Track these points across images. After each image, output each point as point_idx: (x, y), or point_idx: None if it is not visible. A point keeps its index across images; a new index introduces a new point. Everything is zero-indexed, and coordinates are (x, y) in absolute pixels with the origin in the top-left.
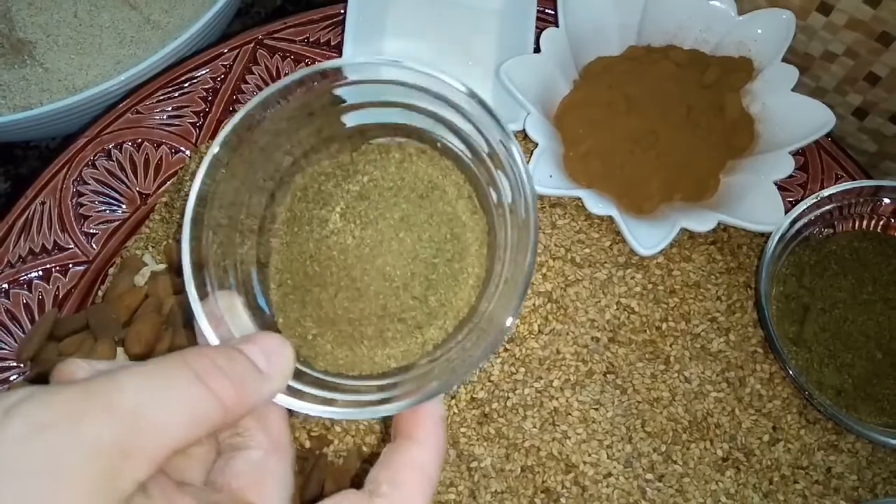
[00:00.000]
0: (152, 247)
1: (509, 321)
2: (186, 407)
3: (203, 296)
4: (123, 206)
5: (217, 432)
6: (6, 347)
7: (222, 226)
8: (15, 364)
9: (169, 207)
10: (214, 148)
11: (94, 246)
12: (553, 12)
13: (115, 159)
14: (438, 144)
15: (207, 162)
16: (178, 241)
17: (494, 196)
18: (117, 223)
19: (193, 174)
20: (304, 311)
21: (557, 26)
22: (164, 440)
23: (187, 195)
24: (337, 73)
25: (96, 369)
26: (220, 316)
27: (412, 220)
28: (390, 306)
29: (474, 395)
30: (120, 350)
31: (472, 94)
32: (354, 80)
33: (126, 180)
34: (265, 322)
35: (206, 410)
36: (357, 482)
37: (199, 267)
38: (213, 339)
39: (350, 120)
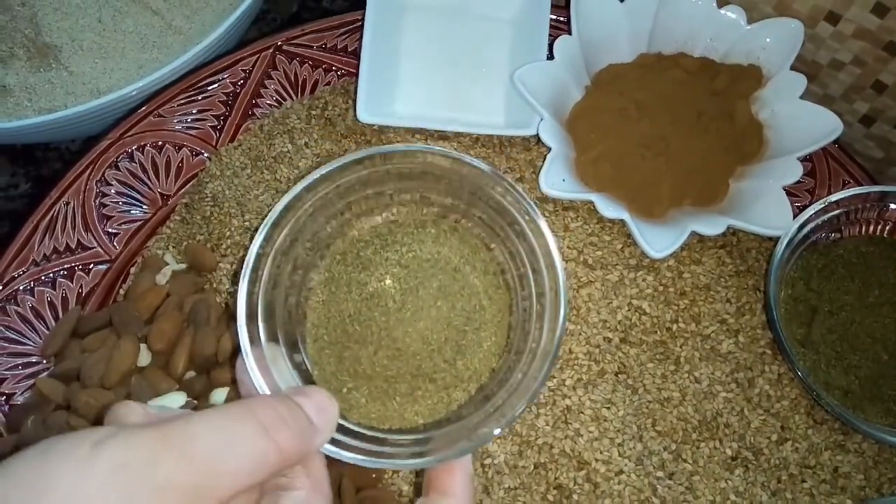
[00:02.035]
0: (173, 246)
1: (537, 384)
2: (254, 455)
3: (253, 343)
4: (145, 207)
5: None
6: (31, 343)
7: (270, 282)
8: (39, 360)
9: (189, 208)
10: (273, 216)
11: (116, 245)
12: (566, 20)
13: (137, 161)
14: (471, 219)
15: (270, 224)
16: (235, 294)
17: (516, 269)
18: (139, 223)
19: (213, 176)
20: (340, 365)
21: (570, 34)
22: (232, 484)
23: (207, 197)
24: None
25: (150, 413)
26: (266, 366)
27: (448, 290)
28: (424, 367)
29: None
30: (143, 346)
31: (502, 178)
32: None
33: (148, 181)
34: (301, 374)
35: (269, 458)
36: (375, 480)
37: (251, 318)
38: (262, 388)
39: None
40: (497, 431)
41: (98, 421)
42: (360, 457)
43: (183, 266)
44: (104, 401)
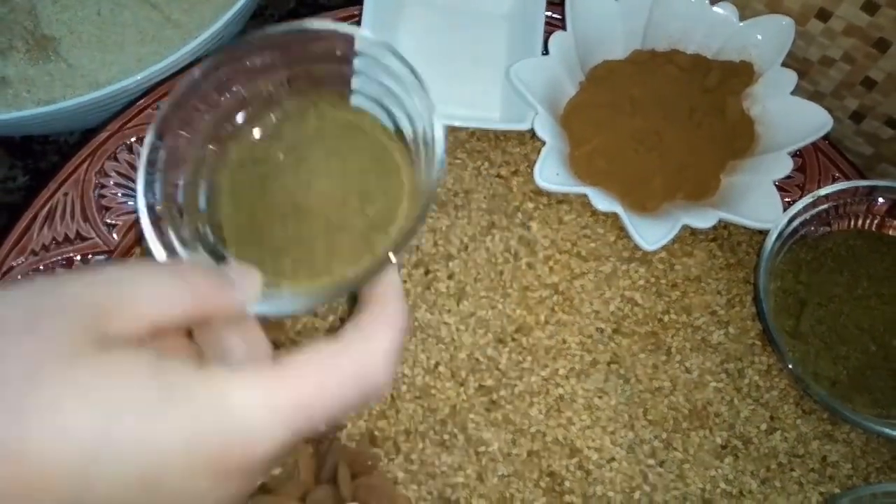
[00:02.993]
0: None
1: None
2: (162, 289)
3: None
4: None
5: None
6: None
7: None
8: None
9: None
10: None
11: (114, 236)
12: (561, 17)
13: (135, 153)
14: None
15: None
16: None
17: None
18: (137, 215)
19: None
20: (260, 250)
21: (565, 30)
22: (142, 308)
23: None
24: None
25: None
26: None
27: (337, 150)
28: (334, 219)
29: (483, 383)
30: None
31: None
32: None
33: None
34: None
35: (181, 295)
36: (371, 467)
37: (157, 222)
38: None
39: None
40: (392, 256)
41: None
42: (287, 302)
43: None
44: None
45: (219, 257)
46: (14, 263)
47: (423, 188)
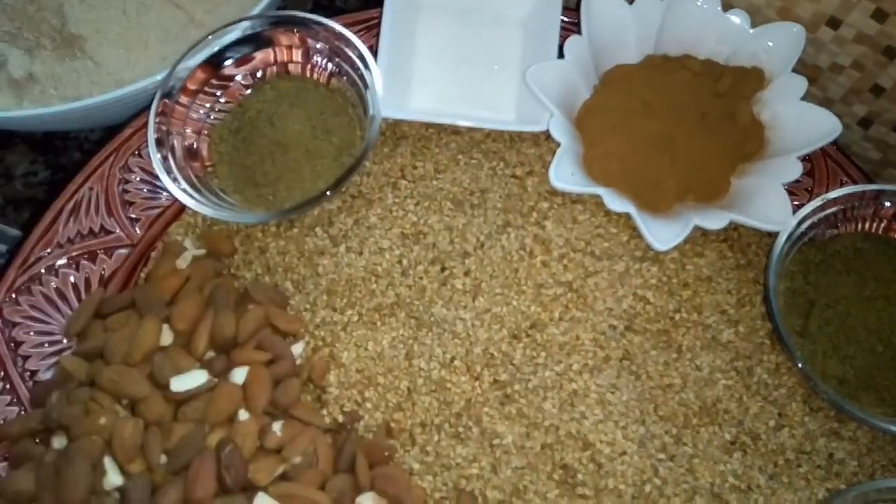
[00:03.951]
0: (191, 233)
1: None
2: None
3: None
4: (165, 194)
5: None
6: (55, 323)
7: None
8: (62, 339)
9: None
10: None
11: (137, 230)
12: (575, 22)
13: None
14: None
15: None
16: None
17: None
18: (160, 210)
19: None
20: (257, 186)
21: (580, 35)
22: None
23: None
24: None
25: None
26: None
27: (294, 101)
28: (310, 148)
29: (497, 378)
30: (165, 327)
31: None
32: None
33: None
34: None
35: None
36: (388, 458)
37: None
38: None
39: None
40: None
41: (120, 397)
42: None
43: (202, 252)
44: (128, 378)
45: (221, 199)
46: (41, 255)
47: (368, 125)
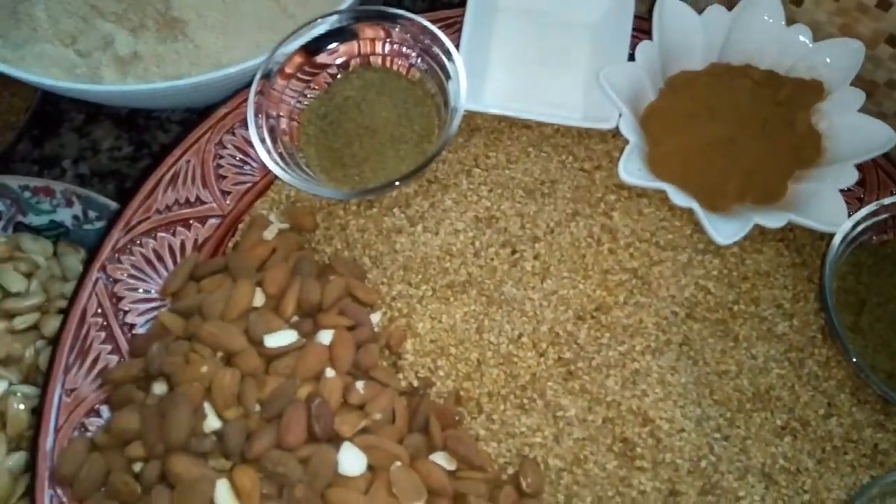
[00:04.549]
0: (276, 208)
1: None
2: None
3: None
4: (255, 171)
5: None
6: (151, 282)
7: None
8: (159, 298)
9: None
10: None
11: (228, 202)
12: (642, 29)
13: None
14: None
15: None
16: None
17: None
18: (248, 185)
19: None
20: (344, 166)
21: (651, 40)
22: None
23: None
24: None
25: None
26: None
27: (380, 89)
28: (395, 134)
29: (562, 355)
30: (257, 290)
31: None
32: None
33: None
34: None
35: None
36: (457, 423)
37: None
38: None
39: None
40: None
41: (218, 350)
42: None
43: (286, 226)
44: (227, 332)
45: (308, 175)
46: (142, 219)
47: (447, 117)
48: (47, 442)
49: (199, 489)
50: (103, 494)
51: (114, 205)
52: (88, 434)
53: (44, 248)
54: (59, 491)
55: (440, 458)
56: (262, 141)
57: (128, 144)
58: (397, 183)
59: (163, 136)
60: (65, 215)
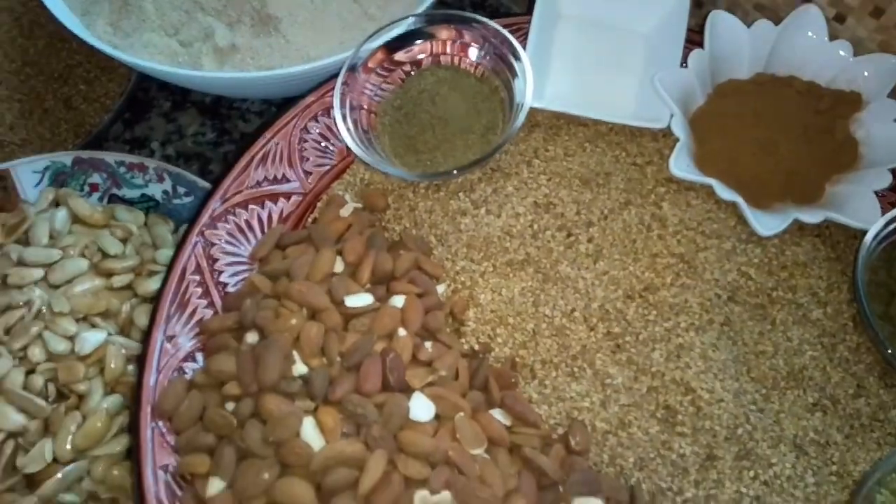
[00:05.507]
0: (350, 190)
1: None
2: None
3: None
4: (334, 155)
5: None
6: (241, 248)
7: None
8: (248, 262)
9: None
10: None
11: (310, 182)
12: (693, 40)
13: (331, 118)
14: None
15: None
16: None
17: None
18: (328, 167)
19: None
20: (417, 152)
21: (702, 49)
22: None
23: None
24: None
25: None
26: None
27: (451, 85)
28: (463, 125)
29: (611, 330)
30: (338, 258)
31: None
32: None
33: (337, 136)
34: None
35: None
36: (513, 385)
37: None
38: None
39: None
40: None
41: (304, 306)
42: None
43: (360, 205)
44: (313, 291)
45: (383, 158)
46: (236, 191)
47: (512, 112)
48: (150, 380)
49: (288, 423)
50: (199, 427)
51: (201, 182)
52: (186, 375)
53: (136, 218)
54: (160, 423)
55: (497, 415)
56: (345, 124)
57: (211, 131)
58: (462, 168)
59: (242, 125)
60: (155, 190)
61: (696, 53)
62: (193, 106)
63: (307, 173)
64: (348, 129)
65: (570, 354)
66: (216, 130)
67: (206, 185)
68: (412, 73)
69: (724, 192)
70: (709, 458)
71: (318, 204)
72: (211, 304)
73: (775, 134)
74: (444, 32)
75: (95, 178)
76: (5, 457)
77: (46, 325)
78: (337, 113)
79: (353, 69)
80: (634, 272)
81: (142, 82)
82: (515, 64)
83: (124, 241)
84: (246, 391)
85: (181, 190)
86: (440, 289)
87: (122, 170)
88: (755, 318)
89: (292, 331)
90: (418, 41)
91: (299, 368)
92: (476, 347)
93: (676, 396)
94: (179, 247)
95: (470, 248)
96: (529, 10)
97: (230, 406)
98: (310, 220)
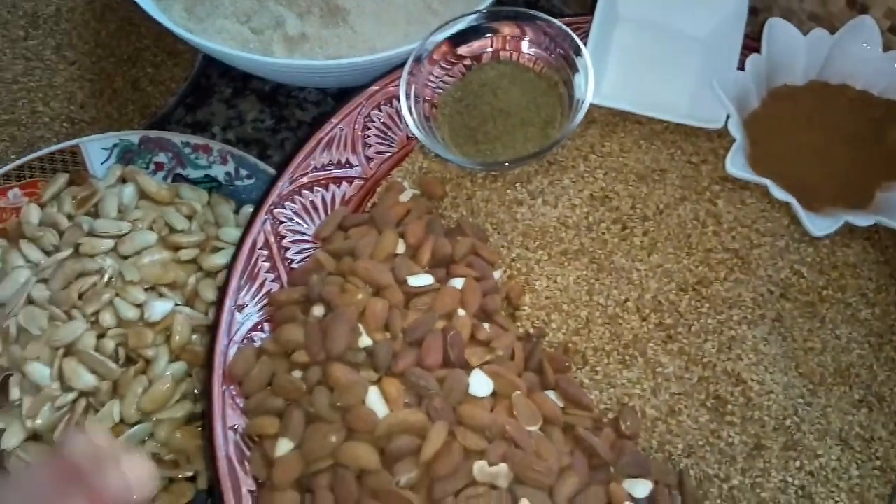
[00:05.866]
0: (409, 177)
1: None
2: None
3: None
4: (395, 143)
5: None
6: (306, 227)
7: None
8: (311, 241)
9: (423, 150)
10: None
11: (371, 168)
12: (748, 45)
13: (393, 107)
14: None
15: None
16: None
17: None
18: (388, 154)
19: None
20: (476, 143)
21: (760, 54)
22: None
23: (438, 141)
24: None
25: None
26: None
27: (512, 79)
28: (524, 117)
29: (663, 321)
30: (400, 241)
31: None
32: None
33: (399, 125)
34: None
35: None
36: (566, 369)
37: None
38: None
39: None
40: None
41: (368, 283)
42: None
43: (418, 192)
44: (378, 269)
45: (442, 146)
46: (303, 172)
47: (571, 107)
48: (221, 346)
49: (354, 391)
50: (268, 392)
51: (262, 165)
52: (255, 344)
53: (200, 197)
54: (230, 387)
55: (552, 395)
56: (410, 112)
57: (269, 118)
58: (521, 159)
59: (300, 113)
60: (218, 171)
61: (753, 58)
62: (253, 93)
63: (369, 159)
64: (413, 116)
65: (622, 343)
66: (274, 118)
67: (268, 168)
68: (472, 67)
69: (779, 193)
70: (756, 447)
71: (378, 189)
72: (277, 279)
73: (828, 140)
74: (507, 28)
75: (161, 157)
76: (77, 415)
77: (117, 293)
78: (403, 100)
79: (419, 60)
80: (688, 266)
81: (205, 69)
82: (577, 60)
83: (189, 218)
84: (314, 359)
85: (243, 172)
86: (496, 275)
87: (188, 150)
88: (805, 315)
89: (358, 305)
90: (482, 36)
91: (364, 341)
92: (531, 332)
93: (727, 387)
94: (250, 223)
95: (526, 236)
96: (590, 11)
97: (297, 374)
98: (369, 204)
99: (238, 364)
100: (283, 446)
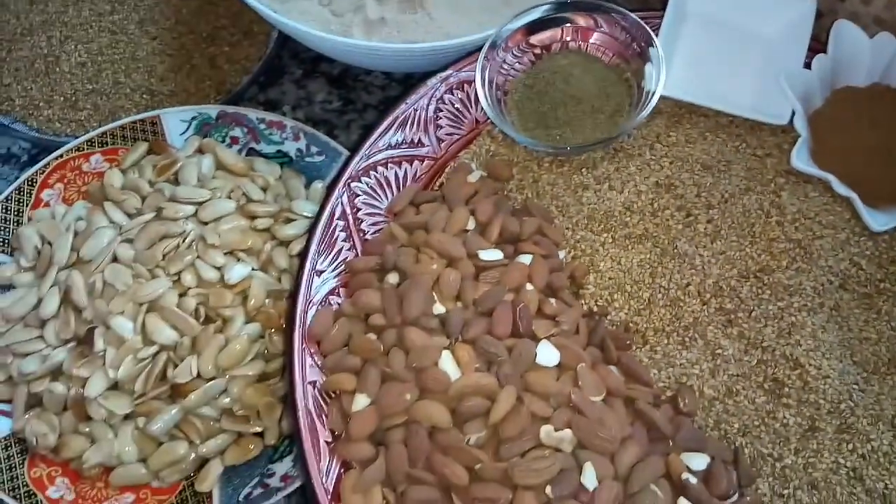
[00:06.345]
0: (476, 159)
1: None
2: None
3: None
4: (464, 126)
5: None
6: (379, 201)
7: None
8: (384, 215)
9: (491, 134)
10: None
11: (441, 149)
12: (812, 47)
13: (465, 91)
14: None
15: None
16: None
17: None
18: (458, 137)
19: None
20: (547, 127)
21: (826, 54)
22: None
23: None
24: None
25: None
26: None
27: (584, 68)
28: (595, 105)
29: (723, 306)
30: (471, 218)
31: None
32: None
33: (469, 109)
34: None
35: None
36: (627, 346)
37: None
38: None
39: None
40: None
41: (441, 255)
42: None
43: (485, 174)
44: (451, 242)
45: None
46: (377, 149)
47: (645, 97)
48: (301, 307)
49: (429, 353)
50: (346, 351)
51: (333, 143)
52: (332, 307)
53: (273, 170)
54: (310, 346)
55: (614, 370)
56: (486, 95)
57: (337, 99)
58: (590, 145)
59: (366, 96)
60: (290, 147)
61: (820, 58)
62: (322, 75)
63: (439, 140)
64: (486, 99)
65: (682, 325)
66: (342, 100)
67: (338, 146)
68: (542, 55)
69: (841, 188)
70: (811, 429)
71: (447, 170)
72: (353, 248)
73: (889, 141)
74: (580, 19)
75: (237, 131)
76: (158, 367)
77: (199, 255)
78: (478, 82)
79: (494, 46)
80: (751, 254)
81: (278, 50)
82: (650, 51)
83: (263, 189)
84: (390, 323)
85: (314, 149)
86: (561, 254)
87: (262, 126)
88: (862, 306)
89: (432, 275)
90: (555, 26)
91: (437, 308)
92: (594, 310)
93: (785, 370)
94: (328, 195)
95: (591, 219)
96: (649, 7)
97: (371, 336)
98: (437, 184)
99: (318, 324)
100: (361, 401)
